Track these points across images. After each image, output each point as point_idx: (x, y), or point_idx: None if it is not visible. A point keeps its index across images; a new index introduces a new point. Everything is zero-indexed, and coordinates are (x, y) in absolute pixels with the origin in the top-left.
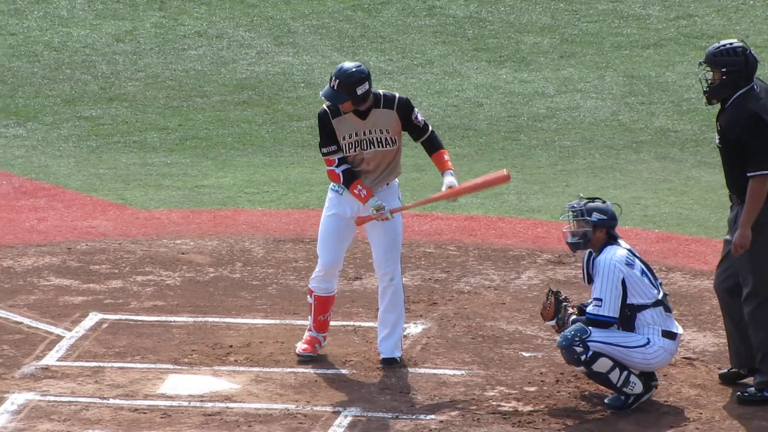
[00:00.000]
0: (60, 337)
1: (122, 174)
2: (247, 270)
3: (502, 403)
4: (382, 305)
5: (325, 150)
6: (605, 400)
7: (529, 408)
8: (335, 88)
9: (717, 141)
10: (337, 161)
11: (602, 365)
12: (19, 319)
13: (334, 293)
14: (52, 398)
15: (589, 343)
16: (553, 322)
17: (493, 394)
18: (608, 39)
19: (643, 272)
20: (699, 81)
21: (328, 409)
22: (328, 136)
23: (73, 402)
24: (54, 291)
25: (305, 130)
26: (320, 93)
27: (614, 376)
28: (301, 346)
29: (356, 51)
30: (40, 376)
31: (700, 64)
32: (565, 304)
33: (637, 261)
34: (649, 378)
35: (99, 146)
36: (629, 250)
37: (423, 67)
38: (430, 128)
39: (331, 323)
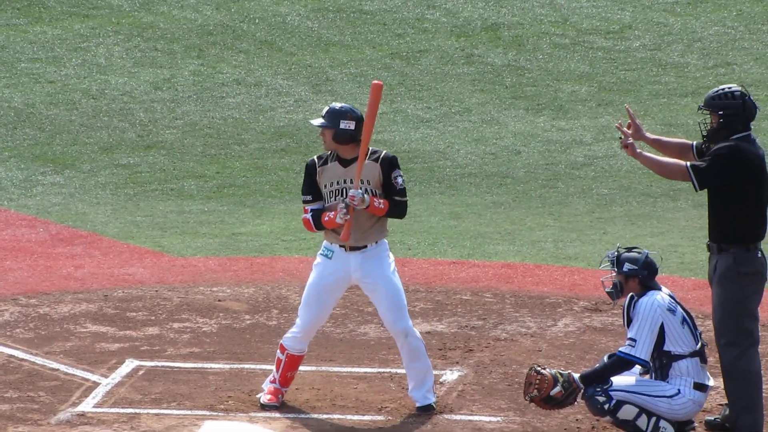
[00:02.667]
0: (96, 384)
1: (159, 221)
2: (283, 317)
3: None
4: (405, 359)
5: (302, 198)
6: None
7: None
8: (323, 116)
9: None
10: (310, 211)
11: (627, 413)
12: (55, 365)
13: (305, 353)
14: None
15: (611, 393)
16: (558, 388)
17: None
18: (646, 87)
19: (684, 321)
20: (698, 125)
21: None
22: (308, 185)
23: None
24: (90, 338)
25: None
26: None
27: (642, 422)
28: (265, 397)
29: (394, 99)
30: (76, 423)
31: (699, 108)
32: (556, 371)
33: (679, 309)
34: (683, 423)
35: (136, 194)
36: (671, 296)
37: (461, 115)
38: (405, 198)
39: (368, 370)
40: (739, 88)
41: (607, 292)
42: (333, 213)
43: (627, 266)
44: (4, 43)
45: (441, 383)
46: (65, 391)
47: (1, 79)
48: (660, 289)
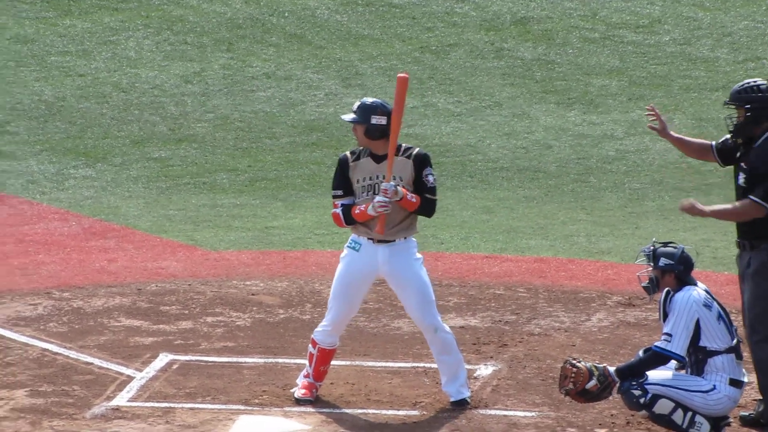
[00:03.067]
0: (130, 378)
1: (192, 215)
2: (317, 311)
3: None
4: (435, 353)
5: (332, 193)
6: None
7: None
8: (354, 111)
9: (741, 181)
10: (340, 205)
11: (663, 407)
12: (89, 359)
13: (337, 346)
14: None
15: (647, 386)
16: (593, 382)
17: None
18: (677, 81)
19: (720, 317)
20: (724, 120)
21: None
22: (340, 179)
23: None
24: (124, 332)
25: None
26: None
27: (678, 417)
28: (299, 392)
29: (424, 93)
30: (110, 417)
31: (725, 103)
32: (591, 364)
33: (715, 304)
34: (719, 419)
35: (168, 187)
36: (707, 292)
37: (491, 109)
38: (436, 197)
39: (402, 364)
40: (765, 82)
41: (644, 287)
42: (364, 206)
43: (663, 261)
44: (34, 37)
45: (475, 378)
46: (99, 385)
47: (31, 73)
48: (696, 284)
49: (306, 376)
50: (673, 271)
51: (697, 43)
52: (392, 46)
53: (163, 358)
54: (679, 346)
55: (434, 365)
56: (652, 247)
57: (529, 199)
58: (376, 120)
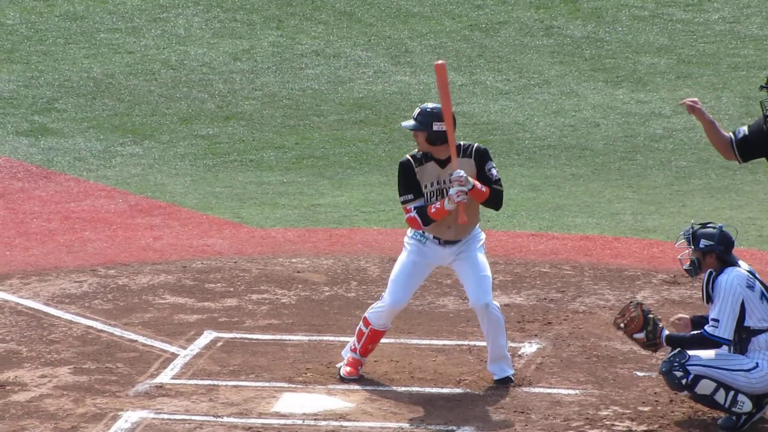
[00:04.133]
0: (174, 356)
1: (238, 192)
2: (362, 289)
3: (616, 423)
4: (485, 332)
5: (402, 198)
6: (717, 422)
7: (643, 428)
8: (415, 117)
9: None
10: (413, 209)
11: (705, 387)
12: (134, 337)
13: (388, 328)
14: (166, 416)
15: (689, 367)
16: (641, 335)
17: (607, 413)
18: (725, 60)
19: (763, 295)
20: (761, 104)
21: (442, 427)
22: (407, 184)
23: (187, 420)
24: (169, 309)
25: None
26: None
27: (720, 396)
28: (345, 369)
29: (473, 71)
30: (154, 394)
31: (761, 87)
32: (652, 316)
33: (758, 284)
34: (761, 397)
35: (215, 165)
36: (750, 272)
37: (540, 87)
38: (502, 188)
39: (446, 342)
40: None
41: (686, 270)
42: (439, 203)
43: (703, 242)
44: (83, 14)
45: (519, 356)
46: (143, 363)
47: (80, 50)
48: (737, 263)
49: (353, 351)
50: (714, 251)
51: (746, 21)
52: (442, 23)
53: (207, 336)
54: (727, 330)
55: (479, 343)
56: (691, 229)
57: (576, 177)
58: (437, 126)
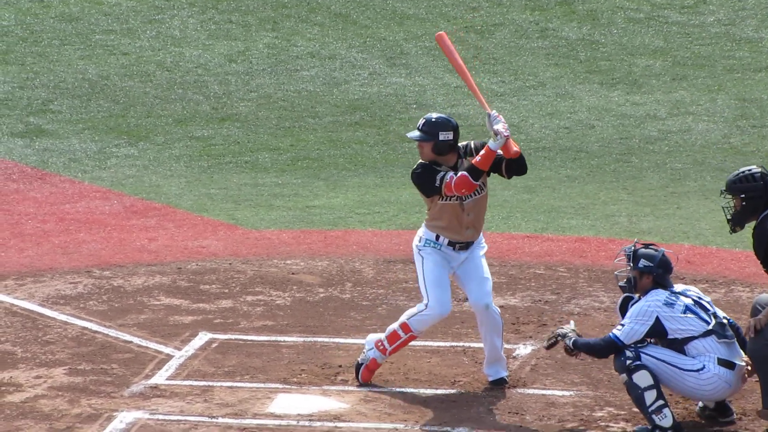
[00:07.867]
0: (169, 357)
1: (233, 194)
2: (357, 290)
3: (611, 424)
4: (483, 332)
5: (437, 182)
6: (634, 428)
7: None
8: (420, 128)
9: None
10: (453, 176)
11: (642, 379)
12: (128, 338)
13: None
14: (160, 417)
15: (641, 353)
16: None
17: (601, 414)
18: (720, 62)
19: (687, 309)
20: (723, 210)
21: (437, 428)
22: (434, 171)
23: (181, 421)
24: (164, 310)
25: (417, 151)
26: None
27: (649, 396)
28: (364, 375)
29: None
30: (149, 395)
31: (721, 192)
32: (565, 329)
33: (680, 300)
34: (722, 412)
35: (210, 166)
36: (676, 293)
37: (535, 89)
38: None
39: (441, 344)
40: (759, 169)
41: (620, 286)
42: (483, 149)
43: (643, 262)
44: (78, 15)
45: (514, 357)
46: (138, 364)
47: (75, 51)
48: (671, 287)
49: (382, 351)
50: (652, 273)
51: (741, 24)
52: (437, 25)
53: (202, 337)
54: (628, 336)
55: (473, 344)
56: (633, 248)
57: (571, 179)
58: (444, 136)
